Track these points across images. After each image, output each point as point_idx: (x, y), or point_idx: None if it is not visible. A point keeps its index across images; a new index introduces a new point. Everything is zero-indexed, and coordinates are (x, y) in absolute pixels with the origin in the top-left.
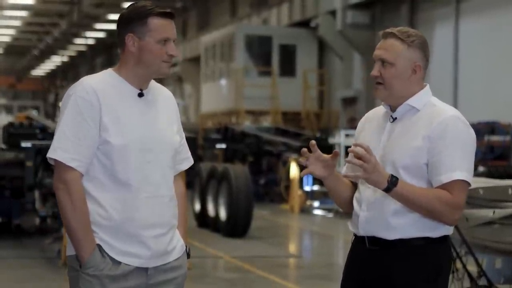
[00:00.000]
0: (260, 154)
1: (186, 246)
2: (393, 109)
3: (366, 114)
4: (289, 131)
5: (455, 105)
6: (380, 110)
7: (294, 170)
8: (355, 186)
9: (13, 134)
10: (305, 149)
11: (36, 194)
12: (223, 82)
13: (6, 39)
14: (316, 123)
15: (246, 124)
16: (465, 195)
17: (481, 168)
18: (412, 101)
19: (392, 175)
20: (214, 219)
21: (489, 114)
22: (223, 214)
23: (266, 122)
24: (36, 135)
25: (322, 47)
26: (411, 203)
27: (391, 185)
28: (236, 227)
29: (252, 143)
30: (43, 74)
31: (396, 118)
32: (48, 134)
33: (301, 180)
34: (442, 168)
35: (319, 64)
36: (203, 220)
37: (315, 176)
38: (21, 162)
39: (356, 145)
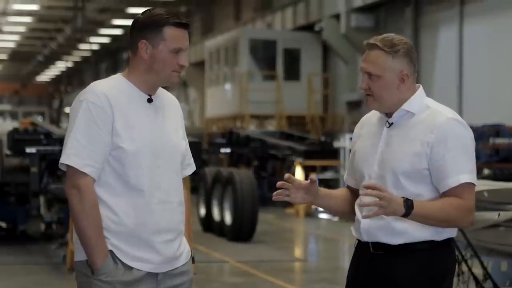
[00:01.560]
0: (265, 158)
1: (191, 251)
2: (388, 114)
3: (361, 119)
4: (294, 135)
5: (460, 108)
6: (373, 114)
7: (299, 174)
8: (353, 194)
9: (18, 140)
10: (281, 182)
11: (41, 200)
12: (228, 86)
13: (11, 45)
14: (320, 127)
15: (251, 129)
16: (474, 196)
17: (486, 171)
18: (407, 106)
19: (406, 199)
20: (220, 224)
21: (494, 117)
22: (228, 218)
23: (271, 126)
24: (41, 141)
25: (327, 50)
26: (430, 220)
27: (409, 208)
28: (242, 231)
29: (257, 148)
30: (47, 80)
31: (392, 123)
32: (52, 140)
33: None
34: (448, 173)
35: (323, 68)
36: (209, 225)
37: (296, 204)
38: (26, 168)
39: (367, 187)
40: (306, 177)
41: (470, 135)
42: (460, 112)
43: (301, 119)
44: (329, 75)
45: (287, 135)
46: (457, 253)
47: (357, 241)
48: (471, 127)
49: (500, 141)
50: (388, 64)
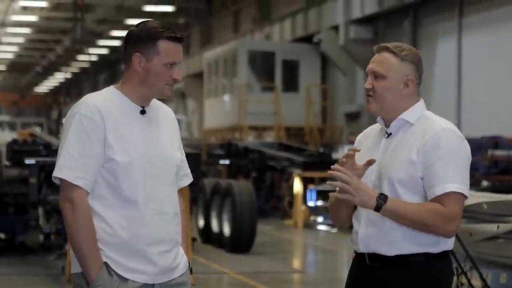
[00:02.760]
0: (263, 170)
1: (189, 262)
2: (387, 124)
3: (363, 131)
4: (293, 147)
5: (458, 119)
6: (376, 127)
7: (297, 186)
8: (352, 205)
9: (17, 151)
10: (344, 157)
11: (40, 210)
12: (226, 97)
13: (10, 56)
14: (319, 138)
15: (250, 140)
16: (460, 206)
17: (485, 183)
18: (405, 115)
19: (380, 193)
20: (218, 235)
21: (493, 129)
22: (227, 229)
23: (270, 137)
24: (39, 152)
25: (325, 62)
26: (404, 219)
27: (380, 203)
28: (240, 242)
29: (255, 159)
30: (46, 91)
31: (390, 133)
32: (51, 151)
33: (304, 195)
34: (436, 180)
35: (322, 79)
36: (207, 236)
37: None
38: (25, 179)
39: (334, 169)
40: (305, 189)
41: (465, 147)
42: (458, 124)
43: (299, 131)
44: (328, 86)
45: (286, 147)
46: (456, 265)
47: (354, 253)
48: (470, 139)
49: (498, 153)
50: (395, 65)
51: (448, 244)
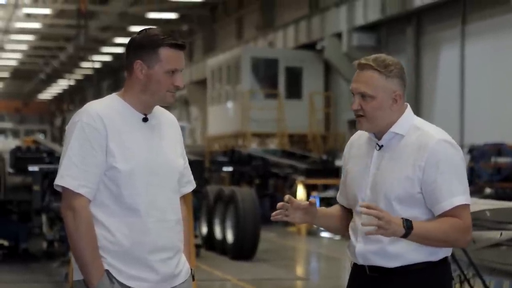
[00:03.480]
0: (266, 177)
1: (191, 269)
2: (378, 136)
3: (350, 140)
4: (296, 154)
5: (461, 126)
6: (363, 134)
7: (300, 192)
8: (346, 212)
9: (20, 158)
10: (280, 203)
11: (43, 218)
12: (230, 104)
13: (13, 63)
14: (322, 145)
15: (253, 147)
16: (470, 216)
17: (488, 190)
18: (396, 128)
19: (405, 219)
20: (221, 242)
21: (496, 136)
22: (230, 236)
23: (273, 144)
24: (43, 159)
25: (328, 69)
26: (429, 240)
27: (408, 229)
28: (243, 249)
29: (258, 166)
30: (50, 98)
31: (382, 146)
32: (55, 158)
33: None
34: (442, 196)
35: (325, 86)
36: (211, 243)
37: (296, 223)
38: (29, 186)
39: (365, 206)
40: (308, 196)
41: (460, 155)
42: (461, 131)
43: (302, 138)
44: (331, 93)
45: (289, 154)
46: (459, 272)
47: (353, 263)
48: (473, 146)
49: (502, 160)
50: (382, 84)
51: (447, 250)
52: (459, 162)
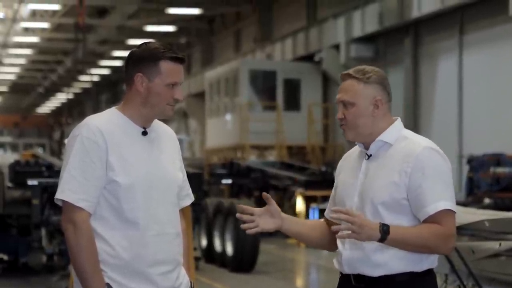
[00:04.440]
0: (266, 189)
1: (191, 282)
2: (366, 146)
3: (344, 155)
4: (295, 165)
5: (460, 137)
6: (356, 149)
7: (300, 204)
8: (329, 226)
9: (20, 172)
10: (239, 215)
11: (43, 232)
12: (228, 117)
13: (11, 77)
14: (321, 157)
15: (252, 159)
16: (454, 223)
17: (487, 200)
18: (383, 136)
19: (382, 224)
20: (221, 254)
21: (495, 146)
22: (229, 249)
23: (272, 156)
24: (42, 173)
25: (326, 80)
26: (408, 245)
27: (384, 234)
28: (243, 262)
29: (257, 178)
30: (48, 112)
31: (371, 155)
32: (54, 172)
33: (307, 214)
34: (426, 201)
35: (323, 97)
36: (210, 256)
37: (270, 230)
38: (28, 200)
39: (336, 210)
40: (307, 207)
41: (447, 164)
42: (460, 141)
43: (301, 149)
44: (329, 105)
45: (288, 165)
46: (458, 283)
47: (340, 274)
48: (472, 156)
49: (500, 170)
50: (360, 90)
51: (431, 261)
52: (445, 170)
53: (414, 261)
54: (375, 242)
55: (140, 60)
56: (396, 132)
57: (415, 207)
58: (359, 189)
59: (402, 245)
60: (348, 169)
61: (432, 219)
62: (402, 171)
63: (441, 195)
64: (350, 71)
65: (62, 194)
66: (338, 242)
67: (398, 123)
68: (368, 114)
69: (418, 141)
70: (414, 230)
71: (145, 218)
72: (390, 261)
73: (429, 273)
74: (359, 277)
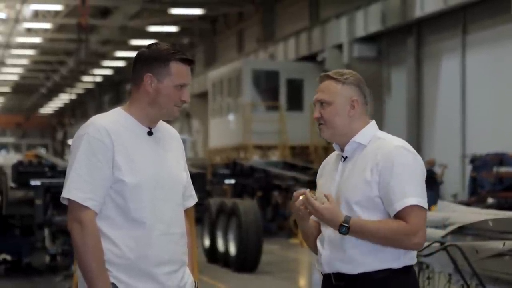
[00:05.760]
0: (269, 189)
1: (195, 282)
2: (342, 149)
3: (323, 161)
4: (298, 165)
5: (463, 137)
6: (334, 154)
7: None
8: (316, 228)
9: (22, 172)
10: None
11: (46, 232)
12: (231, 117)
13: (14, 77)
14: (324, 156)
15: (255, 159)
16: (421, 219)
17: (490, 200)
18: (358, 137)
19: (346, 216)
20: (224, 255)
21: (498, 146)
22: (233, 249)
23: (275, 156)
24: (45, 173)
25: None
26: (370, 238)
27: (345, 223)
28: (246, 262)
29: (260, 178)
30: (51, 112)
31: (346, 157)
32: (57, 172)
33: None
34: (394, 197)
35: None
36: (213, 256)
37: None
38: (31, 200)
39: (297, 194)
40: None
41: (418, 161)
42: (463, 141)
43: (304, 149)
44: None
45: (291, 165)
46: (462, 282)
47: (321, 274)
48: (475, 156)
49: (503, 169)
50: (338, 90)
51: (410, 258)
52: (416, 167)
53: (392, 258)
54: (353, 240)
55: (150, 61)
56: (370, 133)
57: (386, 204)
58: (335, 190)
59: (364, 238)
60: (327, 172)
61: (399, 216)
62: (373, 169)
63: (409, 191)
64: (329, 73)
65: (68, 193)
66: (318, 243)
67: (373, 124)
68: (344, 114)
69: (391, 141)
70: (376, 224)
71: (151, 218)
72: (367, 259)
73: (408, 269)
74: (339, 276)
